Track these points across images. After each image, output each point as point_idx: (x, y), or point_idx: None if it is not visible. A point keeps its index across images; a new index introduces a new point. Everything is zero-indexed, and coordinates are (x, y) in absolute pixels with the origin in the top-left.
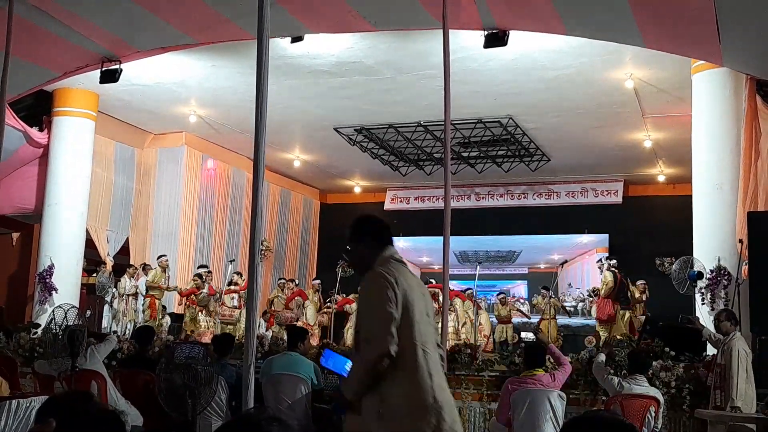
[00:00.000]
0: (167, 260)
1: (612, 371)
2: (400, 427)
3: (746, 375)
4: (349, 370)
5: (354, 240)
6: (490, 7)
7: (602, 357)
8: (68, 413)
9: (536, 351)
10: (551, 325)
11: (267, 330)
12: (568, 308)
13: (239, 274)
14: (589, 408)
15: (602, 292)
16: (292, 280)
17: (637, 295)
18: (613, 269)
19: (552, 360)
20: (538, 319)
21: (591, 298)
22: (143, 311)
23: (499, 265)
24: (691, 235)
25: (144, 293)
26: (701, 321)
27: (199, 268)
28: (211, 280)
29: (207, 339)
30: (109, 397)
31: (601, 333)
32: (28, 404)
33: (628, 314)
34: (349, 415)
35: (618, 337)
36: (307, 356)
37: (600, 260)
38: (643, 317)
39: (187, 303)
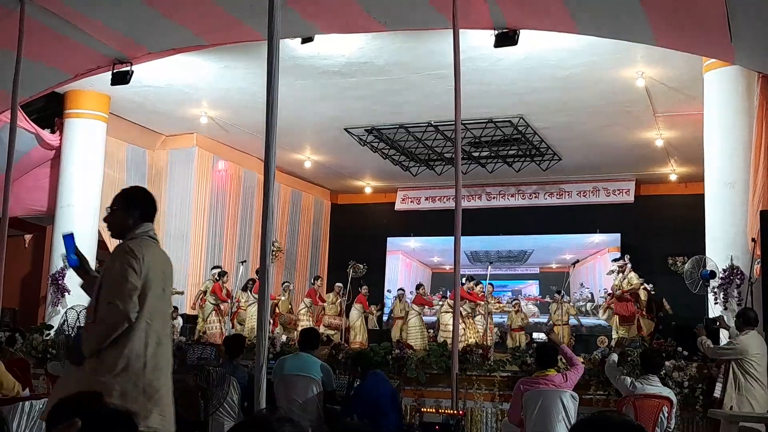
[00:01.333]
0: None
1: (625, 371)
2: (112, 384)
3: (753, 375)
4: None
5: (123, 207)
6: (500, 6)
7: (614, 357)
8: (80, 414)
9: (548, 351)
10: (564, 330)
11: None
12: (580, 308)
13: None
14: (602, 408)
15: (625, 289)
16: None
17: (643, 297)
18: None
19: (564, 360)
20: (551, 322)
21: (603, 298)
22: None
23: (510, 265)
24: (703, 234)
25: None
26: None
27: (213, 269)
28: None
29: (218, 340)
30: None
31: (621, 332)
32: (41, 405)
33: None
34: (72, 368)
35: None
36: (319, 357)
37: (622, 259)
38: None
39: (200, 303)
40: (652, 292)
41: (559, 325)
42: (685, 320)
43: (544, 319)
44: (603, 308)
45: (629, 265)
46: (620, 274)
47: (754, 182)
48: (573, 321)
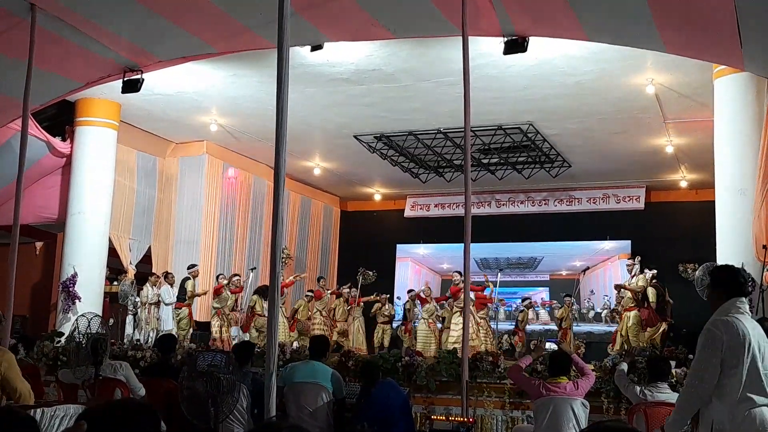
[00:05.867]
0: (198, 270)
1: (636, 379)
2: None
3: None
4: None
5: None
6: (509, 13)
7: (624, 366)
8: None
9: (561, 359)
10: (568, 335)
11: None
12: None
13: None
14: (613, 416)
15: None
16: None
17: (651, 298)
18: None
19: (576, 370)
20: (557, 328)
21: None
22: (180, 320)
23: (520, 272)
24: (714, 240)
25: (166, 302)
26: None
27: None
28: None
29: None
30: None
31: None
32: (52, 413)
33: (664, 325)
34: None
35: (640, 344)
36: (329, 365)
37: (633, 261)
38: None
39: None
40: (660, 286)
41: (565, 328)
42: (696, 327)
43: (550, 326)
44: (620, 311)
45: (637, 267)
46: (632, 277)
47: (759, 189)
48: (587, 328)
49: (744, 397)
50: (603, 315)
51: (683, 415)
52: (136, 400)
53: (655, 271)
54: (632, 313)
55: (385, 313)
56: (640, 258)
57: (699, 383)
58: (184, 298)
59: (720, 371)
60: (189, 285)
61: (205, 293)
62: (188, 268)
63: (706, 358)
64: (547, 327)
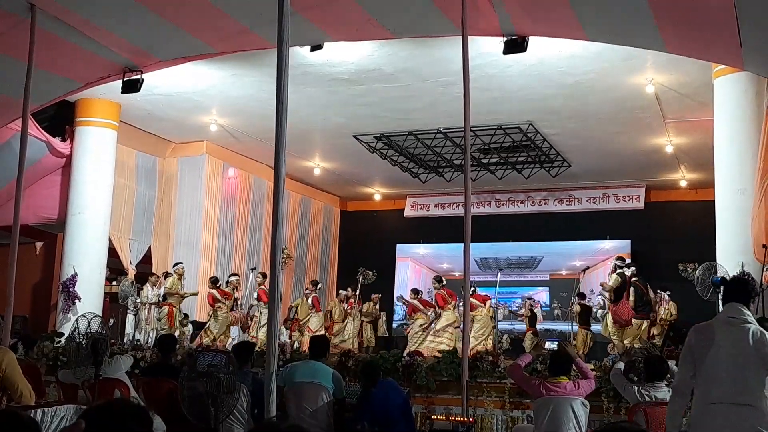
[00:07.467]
0: (183, 267)
1: (636, 378)
2: None
3: None
4: None
5: None
6: (509, 13)
7: (621, 365)
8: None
9: (562, 359)
10: (582, 335)
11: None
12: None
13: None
14: (612, 416)
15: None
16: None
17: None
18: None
19: (577, 371)
20: (571, 329)
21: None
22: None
23: (520, 272)
24: (714, 240)
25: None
26: None
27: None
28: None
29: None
30: None
31: (614, 338)
32: (52, 413)
33: (645, 323)
34: None
35: (635, 345)
36: (329, 365)
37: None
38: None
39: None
40: (640, 284)
41: (583, 328)
42: None
43: (550, 325)
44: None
45: (612, 266)
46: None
47: (758, 188)
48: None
49: (705, 395)
50: (598, 314)
51: (671, 409)
52: (130, 401)
53: (633, 269)
54: (610, 312)
55: (372, 313)
56: (620, 255)
57: (677, 380)
58: (165, 296)
59: (693, 371)
60: (169, 282)
61: (193, 294)
62: (173, 266)
63: (681, 357)
64: (547, 326)
